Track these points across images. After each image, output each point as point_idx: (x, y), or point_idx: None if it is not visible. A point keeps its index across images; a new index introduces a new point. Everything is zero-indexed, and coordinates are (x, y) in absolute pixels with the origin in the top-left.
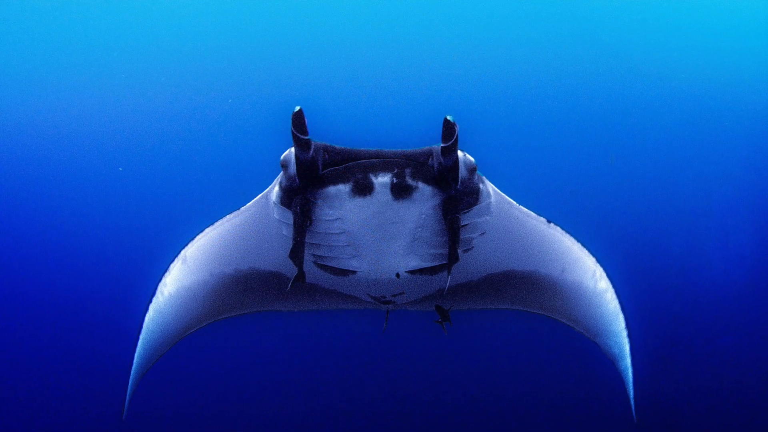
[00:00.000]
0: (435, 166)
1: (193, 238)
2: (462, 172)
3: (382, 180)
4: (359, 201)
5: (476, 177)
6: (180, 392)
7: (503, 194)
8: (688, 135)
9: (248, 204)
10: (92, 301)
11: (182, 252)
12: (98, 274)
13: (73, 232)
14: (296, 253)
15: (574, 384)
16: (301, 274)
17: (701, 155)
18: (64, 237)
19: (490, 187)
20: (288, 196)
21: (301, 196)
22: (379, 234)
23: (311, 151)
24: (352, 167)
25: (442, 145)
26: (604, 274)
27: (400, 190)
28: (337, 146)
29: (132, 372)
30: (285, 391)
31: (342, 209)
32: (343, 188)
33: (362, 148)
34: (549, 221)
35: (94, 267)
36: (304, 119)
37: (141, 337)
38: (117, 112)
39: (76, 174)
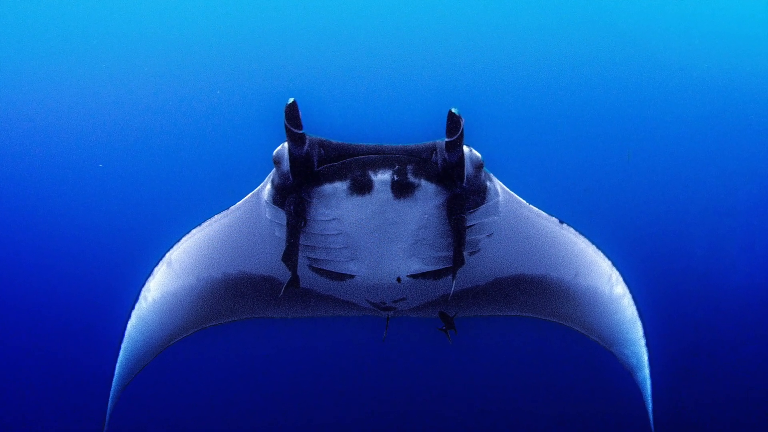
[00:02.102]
0: (439, 162)
1: (178, 240)
2: (468, 168)
3: (382, 177)
4: (357, 200)
5: (483, 174)
6: (165, 405)
7: (512, 193)
8: (710, 129)
9: (238, 203)
10: (71, 307)
11: (167, 255)
12: (77, 279)
13: (50, 233)
14: (290, 256)
15: (588, 396)
16: (294, 279)
17: (724, 151)
18: (40, 238)
19: (498, 185)
20: (281, 195)
21: (295, 195)
22: (378, 235)
23: (306, 147)
24: (349, 163)
25: (446, 139)
26: (620, 279)
27: (402, 188)
28: (334, 141)
29: (113, 383)
30: (278, 404)
31: (339, 209)
32: (340, 186)
33: (361, 143)
34: (561, 222)
35: (73, 271)
36: (298, 112)
37: (123, 346)
38: (97, 104)
39: (54, 171)
